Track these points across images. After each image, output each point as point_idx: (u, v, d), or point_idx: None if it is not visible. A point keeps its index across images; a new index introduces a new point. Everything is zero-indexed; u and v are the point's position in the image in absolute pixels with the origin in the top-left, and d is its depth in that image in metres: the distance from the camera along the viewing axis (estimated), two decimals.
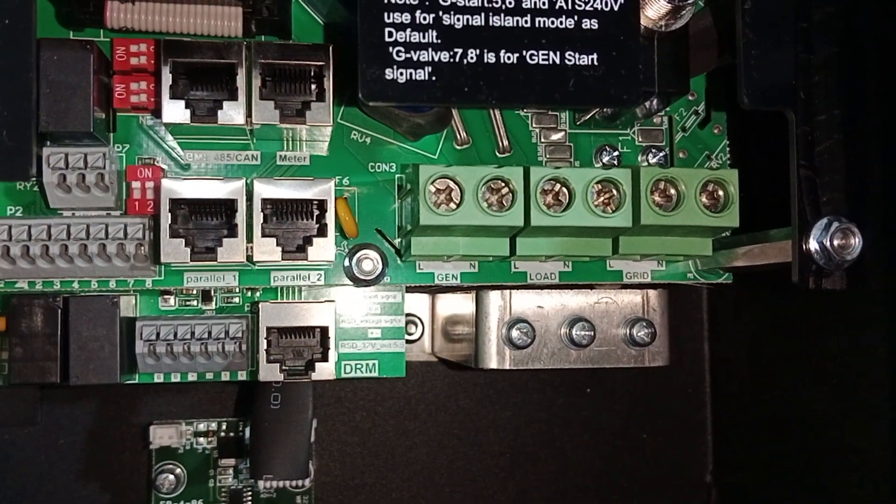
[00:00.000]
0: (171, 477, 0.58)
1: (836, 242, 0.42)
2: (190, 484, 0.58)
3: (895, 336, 0.41)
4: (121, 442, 0.60)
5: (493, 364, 0.51)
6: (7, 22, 0.36)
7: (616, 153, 0.52)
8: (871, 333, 0.45)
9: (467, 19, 0.39)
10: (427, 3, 0.38)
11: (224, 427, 0.59)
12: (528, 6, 0.39)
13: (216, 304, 0.49)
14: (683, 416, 0.67)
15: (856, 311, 0.47)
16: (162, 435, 0.57)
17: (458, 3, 0.38)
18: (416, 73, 0.39)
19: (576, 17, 0.40)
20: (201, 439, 0.59)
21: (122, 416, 0.60)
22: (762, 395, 0.60)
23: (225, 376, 0.49)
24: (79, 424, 0.60)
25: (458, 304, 0.57)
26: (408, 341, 0.58)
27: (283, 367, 0.47)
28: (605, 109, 0.49)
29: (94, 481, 0.59)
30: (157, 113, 0.44)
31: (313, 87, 0.44)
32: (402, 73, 0.38)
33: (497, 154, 0.50)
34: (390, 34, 0.38)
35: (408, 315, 0.57)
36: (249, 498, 0.59)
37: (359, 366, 0.50)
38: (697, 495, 0.66)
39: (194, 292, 0.48)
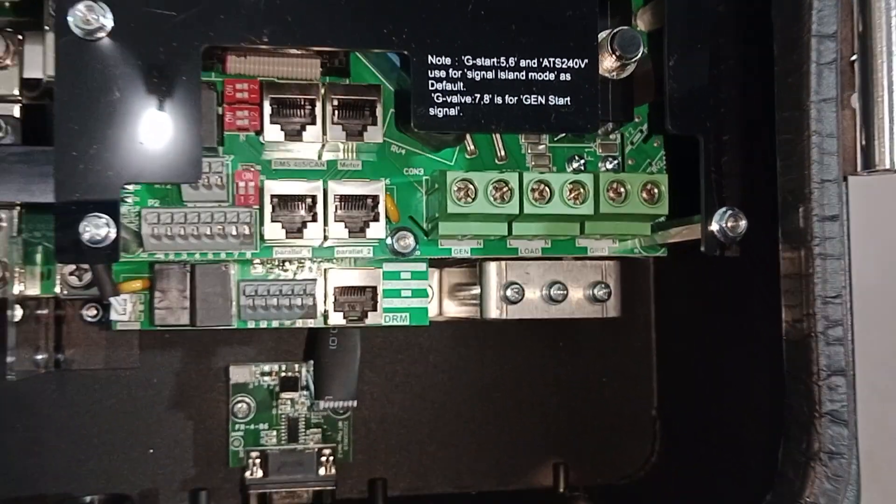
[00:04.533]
0: (244, 405, 0.70)
1: (729, 224, 0.52)
2: (258, 411, 0.70)
3: (770, 288, 0.52)
4: (203, 381, 0.70)
5: (494, 315, 0.61)
6: (182, 68, 0.48)
7: (582, 160, 0.60)
8: (756, 285, 0.57)
9: (483, 74, 0.51)
10: (457, 64, 0.50)
11: (283, 368, 0.71)
12: (524, 66, 0.51)
13: (292, 272, 0.61)
14: (634, 364, 0.76)
15: (745, 273, 0.58)
16: (238, 373, 0.70)
17: (478, 64, 0.51)
18: (449, 111, 0.50)
19: (555, 73, 0.51)
20: (266, 378, 0.70)
21: (204, 360, 0.71)
22: (694, 344, 0.69)
23: (299, 323, 0.60)
24: (170, 368, 0.70)
25: (460, 276, 0.66)
26: None
27: (345, 315, 0.59)
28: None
29: (181, 411, 0.70)
30: (258, 133, 0.56)
31: (368, 114, 0.56)
32: (440, 111, 0.50)
33: (496, 161, 0.59)
34: (432, 85, 0.50)
35: None
36: (302, 422, 0.71)
37: (395, 317, 0.61)
38: (646, 426, 0.76)
39: (276, 261, 0.61)
